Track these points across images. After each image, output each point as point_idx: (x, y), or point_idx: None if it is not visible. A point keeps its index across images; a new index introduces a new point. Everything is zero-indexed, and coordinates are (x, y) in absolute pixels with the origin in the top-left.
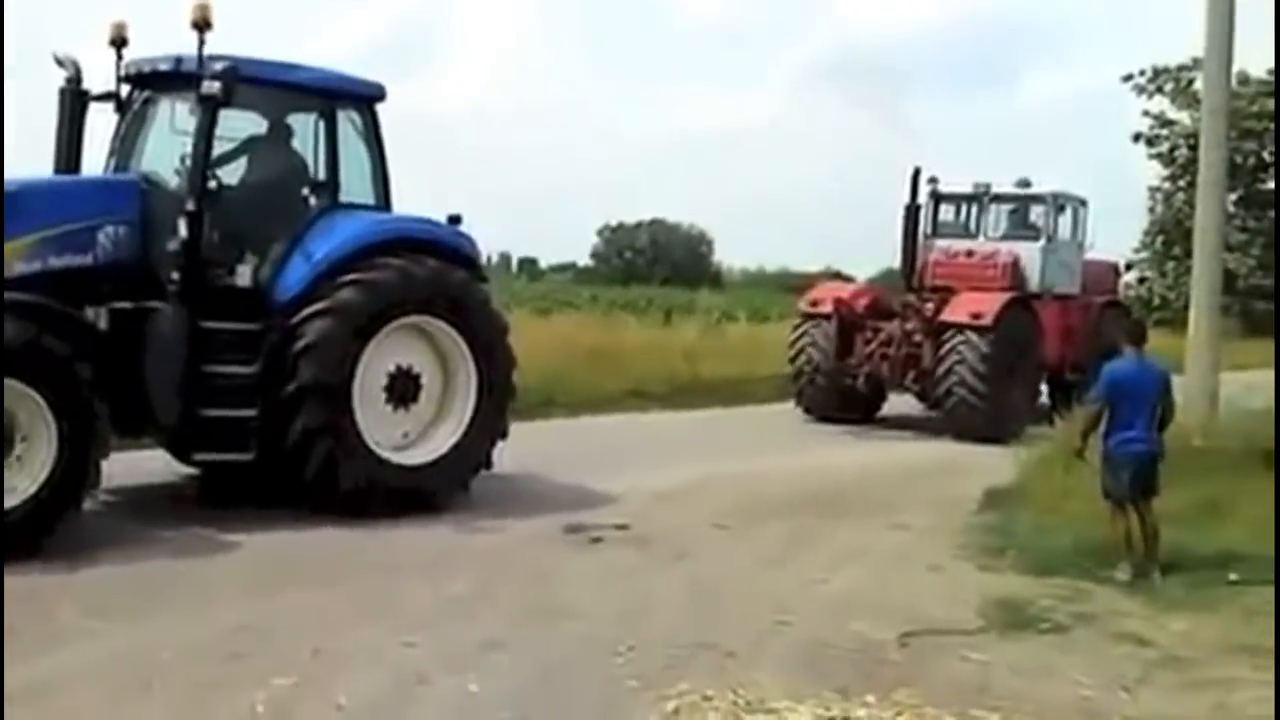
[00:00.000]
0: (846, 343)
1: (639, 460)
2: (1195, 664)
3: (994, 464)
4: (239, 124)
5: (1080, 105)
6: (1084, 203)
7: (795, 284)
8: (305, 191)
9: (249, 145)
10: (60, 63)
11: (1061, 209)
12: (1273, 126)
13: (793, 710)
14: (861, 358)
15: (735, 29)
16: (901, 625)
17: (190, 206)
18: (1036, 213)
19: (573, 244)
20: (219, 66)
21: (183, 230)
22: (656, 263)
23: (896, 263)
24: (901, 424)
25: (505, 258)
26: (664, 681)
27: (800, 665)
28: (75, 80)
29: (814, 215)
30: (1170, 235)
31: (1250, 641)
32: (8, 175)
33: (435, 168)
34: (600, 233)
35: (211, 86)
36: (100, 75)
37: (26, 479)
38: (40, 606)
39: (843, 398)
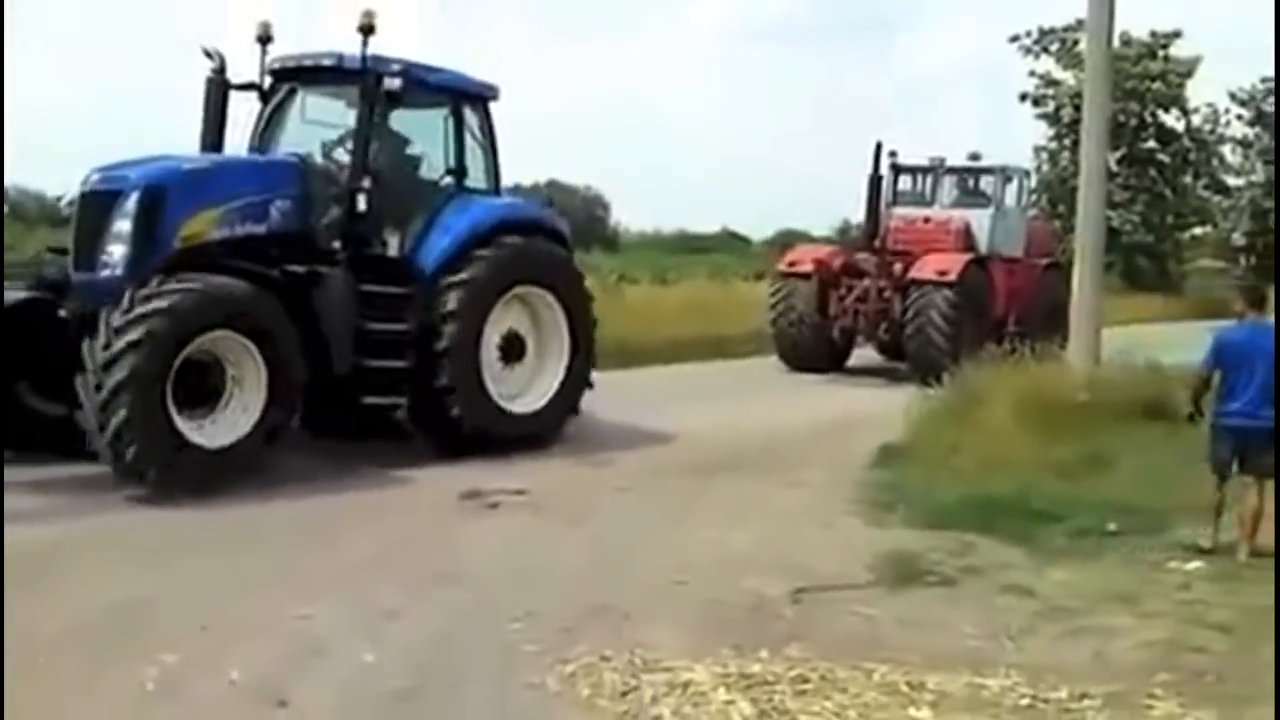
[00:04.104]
0: (823, 299)
1: None
2: (1076, 613)
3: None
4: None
5: (967, 65)
6: (1028, 174)
7: (695, 245)
8: (427, 176)
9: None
10: (209, 55)
11: (1008, 179)
12: (1154, 86)
13: (689, 669)
14: (838, 312)
15: None
16: (794, 581)
17: (366, 184)
18: (986, 183)
19: None
20: (396, 67)
21: (361, 204)
22: None
23: (790, 225)
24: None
25: None
26: (561, 645)
27: (696, 623)
28: (220, 71)
29: (708, 177)
30: (1055, 193)
31: (1128, 590)
32: (201, 154)
33: None
34: None
35: (393, 84)
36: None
37: (243, 418)
38: None
39: (817, 350)
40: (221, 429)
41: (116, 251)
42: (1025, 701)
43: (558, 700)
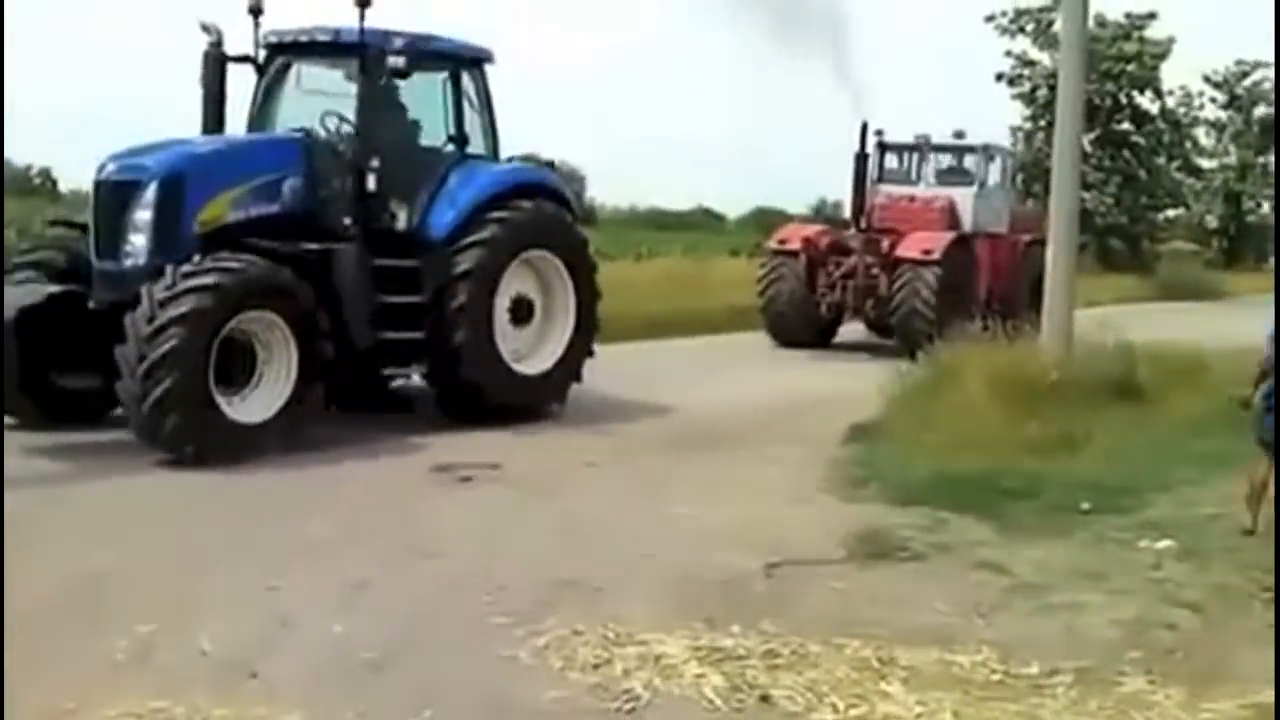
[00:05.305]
0: (811, 276)
1: None
2: (1047, 589)
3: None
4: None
5: (944, 44)
6: (1012, 153)
7: (670, 222)
8: (428, 144)
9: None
10: (205, 29)
11: (992, 158)
12: (1129, 69)
13: (661, 641)
14: (825, 289)
15: None
16: (767, 556)
17: (374, 163)
18: (970, 161)
19: None
20: (399, 42)
21: (371, 183)
22: None
23: (766, 203)
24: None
25: None
26: (533, 618)
27: (669, 597)
28: (217, 44)
29: (685, 155)
30: (1031, 174)
31: (1098, 568)
32: (210, 136)
33: None
34: None
35: (398, 61)
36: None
37: (276, 395)
38: None
39: (805, 326)
40: (254, 406)
41: (139, 241)
42: (996, 677)
43: (530, 672)
